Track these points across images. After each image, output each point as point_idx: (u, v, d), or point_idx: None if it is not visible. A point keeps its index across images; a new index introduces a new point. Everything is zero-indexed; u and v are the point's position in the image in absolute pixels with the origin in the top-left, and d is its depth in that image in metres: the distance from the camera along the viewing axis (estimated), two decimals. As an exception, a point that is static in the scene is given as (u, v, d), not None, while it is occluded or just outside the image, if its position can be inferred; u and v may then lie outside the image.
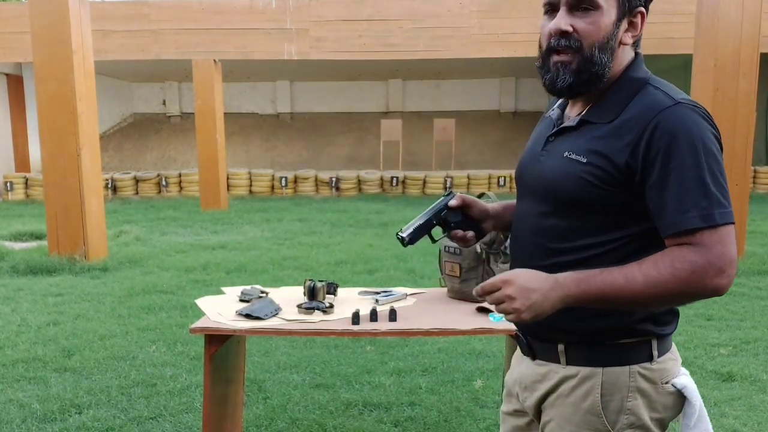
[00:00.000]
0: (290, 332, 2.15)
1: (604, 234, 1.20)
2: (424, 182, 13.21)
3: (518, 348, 1.41)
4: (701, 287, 1.11)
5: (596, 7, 1.17)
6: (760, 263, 6.01)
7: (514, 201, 1.46)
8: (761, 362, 3.68)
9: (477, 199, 1.49)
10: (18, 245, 7.60)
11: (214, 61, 10.76)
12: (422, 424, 2.94)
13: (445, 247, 2.47)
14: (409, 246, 1.47)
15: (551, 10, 1.22)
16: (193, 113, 12.25)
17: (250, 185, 13.37)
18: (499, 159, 14.98)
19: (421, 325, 2.11)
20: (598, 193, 1.18)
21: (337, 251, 7.10)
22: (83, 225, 6.28)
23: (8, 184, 12.78)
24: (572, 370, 1.25)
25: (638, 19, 1.22)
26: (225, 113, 11.65)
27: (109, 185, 12.89)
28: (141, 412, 3.06)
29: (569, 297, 1.14)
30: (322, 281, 2.37)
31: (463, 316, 2.20)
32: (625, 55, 1.24)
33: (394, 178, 13.23)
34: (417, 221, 1.48)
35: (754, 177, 13.15)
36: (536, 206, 1.29)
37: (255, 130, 16.79)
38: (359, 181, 13.34)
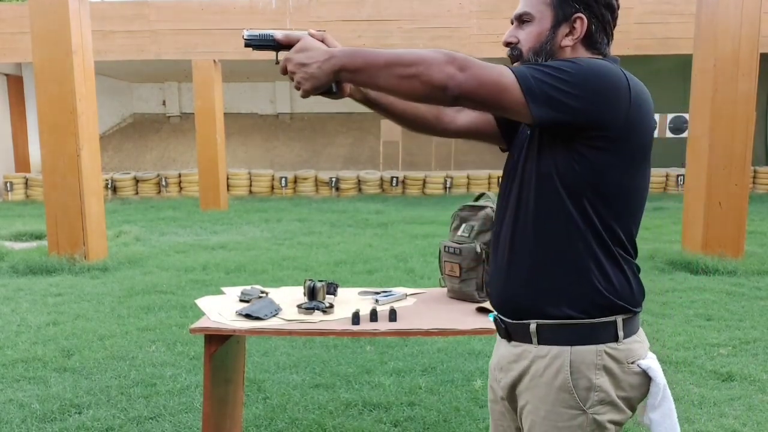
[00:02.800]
0: (290, 332, 2.15)
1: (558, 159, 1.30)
2: (424, 182, 13.21)
3: (497, 335, 1.49)
4: (439, 66, 1.17)
5: (532, 19, 1.37)
6: (759, 263, 6.01)
7: None
8: (760, 362, 3.68)
9: (331, 41, 1.41)
10: (18, 245, 7.60)
11: (214, 61, 10.76)
12: (422, 424, 2.94)
13: (445, 247, 2.47)
14: (248, 48, 1.46)
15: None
16: (192, 113, 12.25)
17: (250, 185, 13.37)
18: (499, 159, 14.84)
19: (421, 325, 2.11)
20: (558, 151, 1.30)
21: (337, 251, 7.10)
22: (83, 225, 6.28)
23: (8, 184, 12.78)
24: (543, 349, 1.32)
25: (577, 24, 1.35)
26: (225, 113, 11.65)
27: (109, 185, 12.90)
28: (141, 412, 3.06)
29: (337, 64, 1.24)
30: (321, 281, 2.37)
31: (462, 316, 2.20)
32: (583, 56, 1.36)
33: (394, 179, 13.23)
34: (271, 30, 1.43)
35: (754, 177, 13.16)
36: (511, 193, 1.41)
37: (254, 130, 16.79)
38: (359, 182, 13.34)
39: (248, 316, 2.16)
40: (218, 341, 2.17)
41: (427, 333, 2.12)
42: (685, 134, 11.67)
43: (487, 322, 2.15)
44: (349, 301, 2.39)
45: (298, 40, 1.36)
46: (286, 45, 1.40)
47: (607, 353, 1.29)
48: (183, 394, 3.28)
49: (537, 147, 1.32)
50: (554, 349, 1.31)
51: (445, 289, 2.51)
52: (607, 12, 1.35)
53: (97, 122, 6.66)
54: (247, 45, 1.45)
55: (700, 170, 6.21)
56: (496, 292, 1.42)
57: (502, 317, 1.42)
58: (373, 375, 3.52)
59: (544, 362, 1.32)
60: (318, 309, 2.22)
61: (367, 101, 1.49)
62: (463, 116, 1.55)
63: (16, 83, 14.19)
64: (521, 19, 1.38)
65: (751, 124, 6.12)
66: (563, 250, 1.29)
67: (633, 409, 1.35)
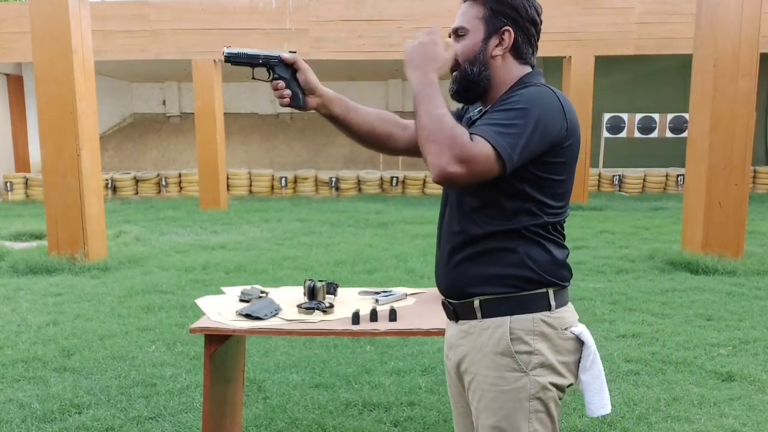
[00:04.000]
0: (290, 332, 2.15)
1: (515, 200, 1.43)
2: (424, 182, 13.22)
3: (445, 318, 1.62)
4: (439, 153, 1.29)
5: (466, 33, 1.51)
6: (759, 263, 6.01)
7: (351, 102, 1.68)
8: (760, 362, 3.68)
9: (310, 71, 1.62)
10: (18, 245, 7.60)
11: (214, 61, 10.76)
12: (422, 424, 2.94)
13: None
14: (229, 63, 1.60)
15: None
16: (193, 113, 12.26)
17: (250, 185, 13.37)
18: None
19: (421, 325, 2.11)
20: None
21: (337, 251, 7.11)
22: (83, 225, 6.29)
23: (8, 184, 12.79)
24: (486, 323, 1.47)
25: (505, 36, 1.48)
26: (225, 113, 11.65)
27: (109, 185, 12.90)
28: (141, 412, 3.06)
29: (434, 79, 1.40)
30: (321, 281, 2.37)
31: (462, 316, 2.20)
32: (513, 67, 1.50)
33: (394, 178, 13.23)
34: (248, 50, 1.59)
35: (754, 177, 13.16)
36: (457, 194, 1.52)
37: (255, 130, 16.79)
38: (359, 181, 13.34)
39: (248, 316, 2.16)
40: (218, 341, 2.17)
41: (427, 333, 2.12)
42: (685, 134, 11.66)
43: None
44: (349, 301, 2.39)
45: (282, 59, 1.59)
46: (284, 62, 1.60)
47: (542, 320, 1.44)
48: (183, 394, 3.28)
49: None
50: (496, 320, 1.45)
51: (445, 289, 2.51)
52: (531, 26, 1.49)
53: (97, 122, 6.66)
54: (227, 60, 1.60)
55: (700, 170, 6.21)
56: (442, 279, 1.55)
57: (449, 300, 1.55)
58: (373, 375, 3.52)
59: (488, 333, 1.46)
60: (318, 309, 2.22)
61: (330, 116, 1.65)
62: (408, 134, 1.69)
63: (16, 83, 14.19)
64: (457, 33, 1.52)
65: (751, 124, 6.12)
66: (499, 238, 1.44)
67: (573, 375, 1.48)
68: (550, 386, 1.44)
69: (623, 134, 13.58)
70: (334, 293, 2.43)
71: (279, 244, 7.67)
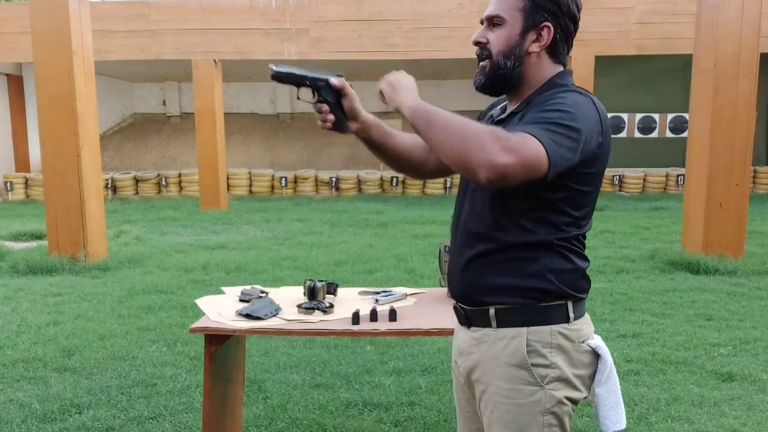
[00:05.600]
0: (290, 332, 2.15)
1: (524, 202, 1.36)
2: (424, 182, 13.21)
3: (455, 323, 1.56)
4: (483, 148, 1.20)
5: (503, 22, 1.41)
6: (760, 263, 6.01)
7: (390, 127, 1.65)
8: (761, 362, 3.68)
9: (356, 98, 1.59)
10: (18, 245, 7.60)
11: (214, 61, 10.76)
12: (422, 424, 2.94)
13: (445, 247, 2.47)
14: (275, 81, 1.58)
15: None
16: (193, 113, 12.26)
17: (250, 185, 13.37)
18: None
19: (421, 325, 2.11)
20: None
21: (337, 251, 7.10)
22: (83, 225, 6.28)
23: (8, 184, 12.79)
24: (502, 332, 1.41)
25: (544, 33, 1.40)
26: (225, 113, 11.65)
27: (109, 185, 12.90)
28: (141, 412, 3.06)
29: (409, 102, 1.38)
30: (322, 281, 2.37)
31: (463, 316, 2.20)
32: (546, 65, 1.43)
33: (394, 179, 13.23)
34: (296, 69, 1.57)
35: (754, 177, 13.16)
36: (476, 196, 1.45)
37: (255, 130, 16.79)
38: (359, 182, 13.35)
39: (248, 316, 2.15)
40: (218, 341, 2.17)
41: (427, 333, 2.12)
42: (685, 134, 11.66)
43: (488, 322, 2.15)
44: (349, 301, 2.39)
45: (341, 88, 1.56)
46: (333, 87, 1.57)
47: (560, 333, 1.39)
48: (183, 394, 3.28)
49: None
50: (512, 331, 1.40)
51: (445, 289, 2.51)
52: (570, 23, 1.41)
53: (97, 122, 6.66)
54: (273, 77, 1.58)
55: (700, 170, 6.21)
56: (456, 284, 1.49)
57: (462, 305, 1.49)
58: (373, 375, 3.52)
59: (504, 343, 1.40)
60: (318, 309, 2.22)
61: (368, 141, 1.63)
62: (435, 156, 1.63)
63: (16, 83, 14.19)
64: (492, 21, 1.43)
65: (751, 124, 6.12)
66: (521, 248, 1.38)
67: (587, 388, 1.44)
68: (565, 401, 1.39)
69: (623, 134, 13.58)
70: (334, 293, 2.43)
71: (279, 244, 7.67)
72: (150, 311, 4.79)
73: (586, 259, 1.44)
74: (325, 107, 1.55)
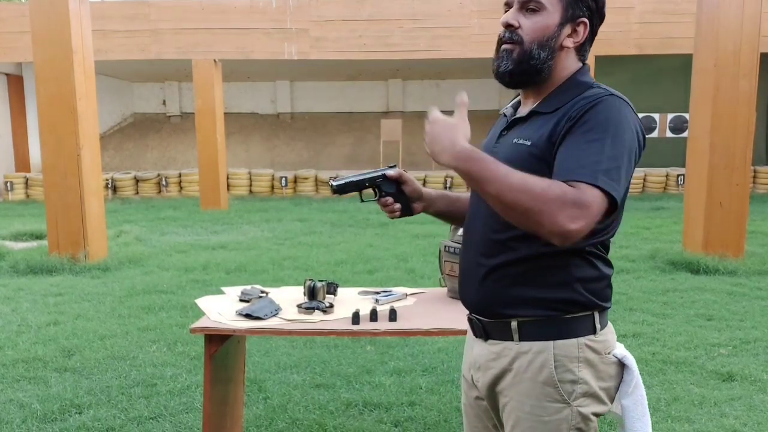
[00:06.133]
0: (290, 332, 2.14)
1: None
2: (424, 182, 13.20)
3: (468, 334, 1.50)
4: (554, 215, 1.15)
5: (541, 9, 1.33)
6: (760, 263, 6.01)
7: (452, 193, 1.66)
8: (761, 362, 3.68)
9: (414, 180, 1.62)
10: (18, 245, 7.60)
11: (214, 61, 10.76)
12: (422, 424, 2.94)
13: (445, 246, 2.47)
14: (337, 195, 1.64)
15: (508, 9, 1.39)
16: (193, 113, 12.26)
17: (250, 185, 13.37)
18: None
19: (421, 325, 2.11)
20: (540, 172, 1.26)
21: (337, 251, 7.10)
22: (83, 225, 6.28)
23: (8, 184, 12.79)
24: (525, 345, 1.34)
25: (581, 28, 1.35)
26: (225, 113, 11.65)
27: (109, 185, 12.90)
28: (141, 412, 3.06)
29: (460, 160, 1.23)
30: (322, 281, 2.36)
31: (463, 316, 2.18)
32: (571, 62, 1.37)
33: (394, 178, 13.20)
34: (352, 177, 1.63)
35: (754, 177, 13.15)
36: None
37: (255, 130, 16.78)
38: (359, 181, 13.32)
39: (248, 316, 2.15)
40: (218, 341, 2.17)
41: (427, 333, 2.12)
42: (685, 134, 11.66)
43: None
44: (349, 300, 2.39)
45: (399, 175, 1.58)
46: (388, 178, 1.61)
47: (587, 346, 1.32)
48: (183, 394, 3.28)
49: (538, 168, 1.28)
50: (537, 345, 1.32)
51: (446, 289, 2.51)
52: (598, 23, 1.37)
53: (97, 122, 6.66)
54: (336, 192, 1.66)
55: (700, 170, 6.21)
56: (472, 294, 1.41)
57: (478, 317, 1.41)
58: (373, 375, 3.52)
59: (528, 358, 1.33)
60: (318, 309, 2.22)
61: (436, 214, 1.65)
62: None
63: (16, 83, 14.19)
64: (527, 6, 1.33)
65: (751, 124, 6.12)
66: (549, 257, 1.30)
67: (612, 399, 1.38)
68: (592, 416, 1.33)
69: (624, 134, 13.56)
70: (334, 293, 2.42)
71: (279, 244, 7.67)
72: (150, 311, 4.79)
73: (610, 265, 1.38)
74: (389, 199, 1.60)
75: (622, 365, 1.38)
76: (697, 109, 6.29)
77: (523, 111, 1.42)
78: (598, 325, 1.34)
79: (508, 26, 1.35)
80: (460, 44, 10.61)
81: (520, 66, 1.34)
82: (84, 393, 3.29)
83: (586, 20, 1.34)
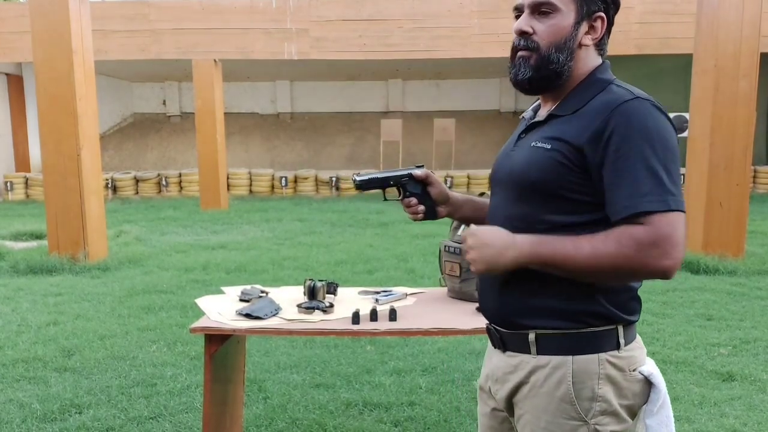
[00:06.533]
0: (290, 332, 2.14)
1: (571, 217, 1.26)
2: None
3: (488, 344, 1.46)
4: (644, 264, 1.15)
5: (555, 11, 1.28)
6: (760, 263, 6.01)
7: (479, 198, 1.61)
8: (761, 362, 3.68)
9: (441, 182, 1.57)
10: (18, 245, 7.60)
11: (214, 61, 10.76)
12: (422, 424, 2.94)
13: (445, 246, 2.47)
14: (360, 190, 1.60)
15: (519, 14, 1.34)
16: (193, 113, 12.26)
17: (250, 185, 13.37)
18: (499, 159, 14.94)
19: (421, 325, 2.11)
20: (564, 177, 1.25)
21: (337, 251, 7.10)
22: (83, 225, 6.28)
23: (8, 184, 12.79)
24: (543, 359, 1.29)
25: (598, 24, 1.30)
26: (225, 113, 11.65)
27: (109, 185, 12.90)
28: (141, 412, 3.06)
29: (522, 257, 1.22)
30: (322, 281, 2.36)
31: (463, 316, 2.20)
32: (591, 59, 1.33)
33: (394, 178, 13.19)
34: (377, 173, 1.58)
35: (754, 177, 13.15)
36: (508, 196, 1.36)
37: (255, 130, 16.78)
38: (359, 181, 13.31)
39: (248, 316, 2.15)
40: (218, 341, 2.17)
41: (427, 333, 2.12)
42: (685, 134, 11.66)
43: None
44: (349, 300, 2.39)
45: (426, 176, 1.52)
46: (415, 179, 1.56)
47: (609, 362, 1.27)
48: (183, 394, 3.28)
49: (569, 180, 1.25)
50: (555, 359, 1.28)
51: (446, 289, 2.51)
52: (614, 12, 1.33)
53: (97, 122, 6.66)
54: (359, 188, 1.61)
55: (700, 170, 6.21)
56: (491, 304, 1.38)
57: (496, 327, 1.38)
58: (373, 375, 3.52)
59: (545, 372, 1.28)
60: (318, 309, 2.22)
61: (463, 219, 1.61)
62: None
63: (16, 83, 14.18)
64: (539, 9, 1.29)
65: (751, 124, 6.12)
66: None
67: (634, 415, 1.32)
68: None
69: (623, 134, 13.57)
70: (334, 293, 2.43)
71: (279, 244, 7.67)
72: (150, 311, 4.79)
73: None
74: (414, 200, 1.54)
75: (648, 383, 1.31)
76: (697, 109, 6.29)
77: (542, 113, 1.38)
78: (622, 341, 1.28)
79: (522, 33, 1.31)
80: (460, 44, 10.61)
81: (540, 72, 1.30)
82: (84, 393, 3.29)
83: (602, 14, 1.30)
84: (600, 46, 1.33)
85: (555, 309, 1.27)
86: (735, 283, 5.50)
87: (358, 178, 1.57)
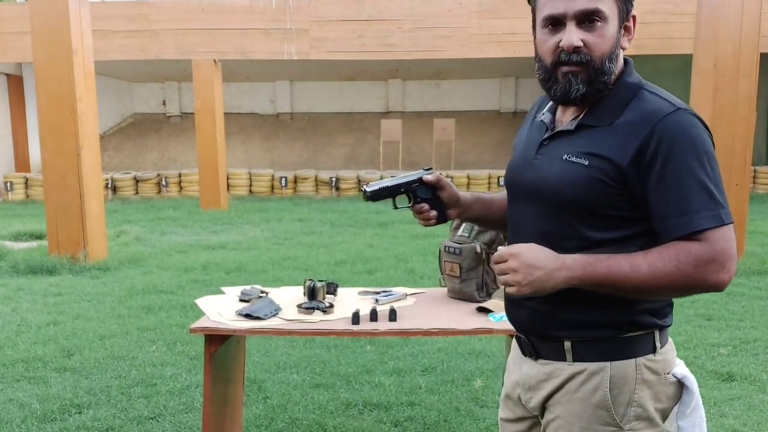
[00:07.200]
0: (290, 332, 2.15)
1: (608, 233, 1.23)
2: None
3: (514, 350, 1.42)
4: (702, 281, 1.16)
5: (603, 19, 1.20)
6: (759, 263, 6.01)
7: (486, 195, 1.56)
8: (761, 362, 3.68)
9: (452, 184, 1.52)
10: (18, 245, 7.60)
11: (214, 61, 10.76)
12: (422, 424, 2.94)
13: (445, 246, 2.47)
14: (371, 201, 1.54)
15: (553, 24, 1.24)
16: (193, 113, 12.26)
17: (250, 185, 13.36)
18: (499, 159, 14.97)
19: (421, 325, 2.11)
20: (603, 195, 1.21)
21: (337, 251, 7.10)
22: (83, 225, 6.28)
23: (8, 184, 12.78)
24: (579, 366, 1.26)
25: (631, 23, 1.26)
26: (225, 113, 11.64)
27: (109, 185, 12.89)
28: (141, 412, 3.06)
29: (573, 279, 1.18)
30: (322, 281, 2.37)
31: (463, 316, 2.20)
32: (621, 61, 1.28)
33: (394, 178, 13.19)
34: (386, 182, 1.53)
35: (754, 177, 13.14)
36: (537, 210, 1.30)
37: (255, 130, 16.78)
38: (359, 181, 13.33)
39: (248, 316, 2.16)
40: (218, 341, 2.17)
41: (427, 333, 2.12)
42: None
43: (487, 321, 2.15)
44: (349, 300, 2.39)
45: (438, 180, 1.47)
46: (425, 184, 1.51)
47: (646, 366, 1.26)
48: (183, 394, 3.28)
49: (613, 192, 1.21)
50: (592, 366, 1.25)
51: (445, 289, 2.51)
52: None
53: (97, 122, 6.66)
54: (369, 199, 1.55)
55: (700, 170, 6.20)
56: (523, 316, 1.34)
57: (526, 335, 1.35)
58: (373, 375, 3.52)
59: (581, 378, 1.26)
60: (318, 309, 2.22)
61: (473, 219, 1.58)
62: None
63: (16, 83, 14.18)
64: (588, 18, 1.20)
65: (751, 124, 6.12)
66: None
67: (665, 418, 1.31)
68: None
69: (623, 134, 13.57)
70: (334, 293, 2.43)
71: (279, 244, 7.67)
72: (150, 311, 4.79)
73: None
74: (425, 206, 1.50)
75: (681, 385, 1.30)
76: (697, 109, 6.24)
77: (564, 120, 1.31)
78: (658, 344, 1.28)
79: (575, 49, 1.21)
80: (460, 44, 10.61)
81: (593, 86, 1.22)
82: (84, 393, 3.29)
83: (634, 13, 1.26)
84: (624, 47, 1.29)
85: (592, 321, 1.25)
86: (735, 283, 5.50)
87: (368, 190, 1.53)
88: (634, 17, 1.26)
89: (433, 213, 1.50)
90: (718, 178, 1.18)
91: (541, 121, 1.35)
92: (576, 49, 1.21)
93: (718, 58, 6.01)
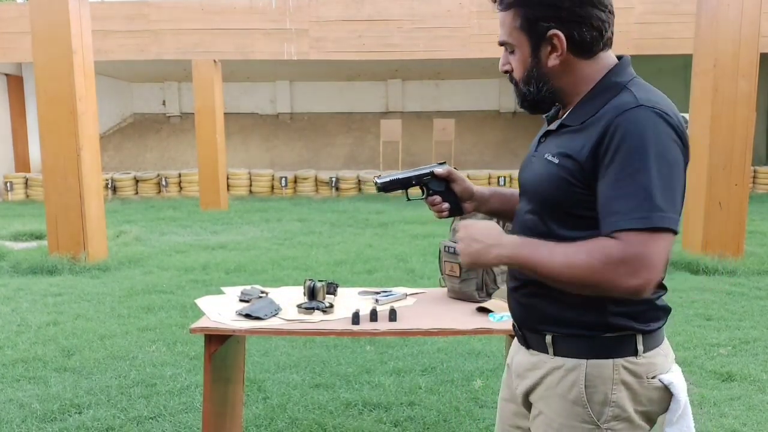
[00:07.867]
0: (290, 332, 2.15)
1: (578, 232, 1.24)
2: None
3: (515, 339, 1.47)
4: (610, 280, 1.13)
5: (515, 48, 1.31)
6: (759, 263, 6.01)
7: (506, 189, 1.60)
8: (760, 362, 3.68)
9: (465, 178, 1.56)
10: (18, 245, 7.60)
11: (214, 61, 10.76)
12: (422, 424, 2.94)
13: (445, 247, 2.47)
14: (383, 192, 1.58)
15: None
16: (193, 113, 12.26)
17: (250, 185, 13.37)
18: (499, 159, 14.98)
19: (421, 325, 2.11)
20: (568, 194, 1.24)
21: (337, 251, 7.11)
22: (83, 225, 6.29)
23: (8, 184, 12.78)
24: (559, 361, 1.30)
25: (555, 41, 1.25)
26: (225, 113, 11.65)
27: (109, 185, 12.89)
28: (141, 412, 3.06)
29: (503, 257, 1.24)
30: (321, 281, 2.37)
31: (462, 316, 2.21)
32: (583, 67, 1.28)
33: (394, 178, 13.19)
34: (398, 174, 1.56)
35: (754, 177, 13.15)
36: (526, 206, 1.37)
37: (255, 130, 16.79)
38: (359, 181, 13.34)
39: (248, 316, 2.16)
40: (218, 341, 2.17)
41: (427, 333, 2.12)
42: (685, 134, 11.65)
43: (487, 321, 2.15)
44: (349, 300, 2.39)
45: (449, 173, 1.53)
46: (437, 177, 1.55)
47: (625, 367, 1.25)
48: (183, 394, 3.28)
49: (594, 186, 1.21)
50: (570, 362, 1.28)
51: (445, 289, 2.51)
52: (582, 9, 1.22)
53: (97, 122, 6.66)
54: (381, 190, 1.60)
55: (700, 170, 6.21)
56: (511, 304, 1.42)
57: (519, 326, 1.41)
58: (373, 375, 3.52)
59: (559, 374, 1.29)
60: (318, 309, 2.22)
61: (490, 213, 1.60)
62: None
63: (16, 83, 14.18)
64: (508, 49, 1.34)
65: (751, 124, 6.12)
66: None
67: (652, 422, 1.30)
68: None
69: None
70: (334, 293, 2.43)
71: (279, 244, 7.67)
72: (150, 311, 4.79)
73: (664, 288, 1.30)
74: (437, 198, 1.53)
75: (668, 391, 1.28)
76: (697, 109, 6.30)
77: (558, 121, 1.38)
78: (640, 347, 1.26)
79: (505, 72, 1.37)
80: (460, 44, 10.61)
81: (525, 102, 1.35)
82: (84, 393, 3.29)
83: (555, 31, 1.24)
84: (584, 51, 1.26)
85: (567, 318, 1.28)
86: (734, 283, 5.50)
87: (379, 181, 1.56)
88: (556, 35, 1.24)
89: (446, 205, 1.53)
90: (666, 180, 1.13)
91: (545, 116, 1.42)
92: (506, 72, 1.36)
93: (718, 59, 6.01)
